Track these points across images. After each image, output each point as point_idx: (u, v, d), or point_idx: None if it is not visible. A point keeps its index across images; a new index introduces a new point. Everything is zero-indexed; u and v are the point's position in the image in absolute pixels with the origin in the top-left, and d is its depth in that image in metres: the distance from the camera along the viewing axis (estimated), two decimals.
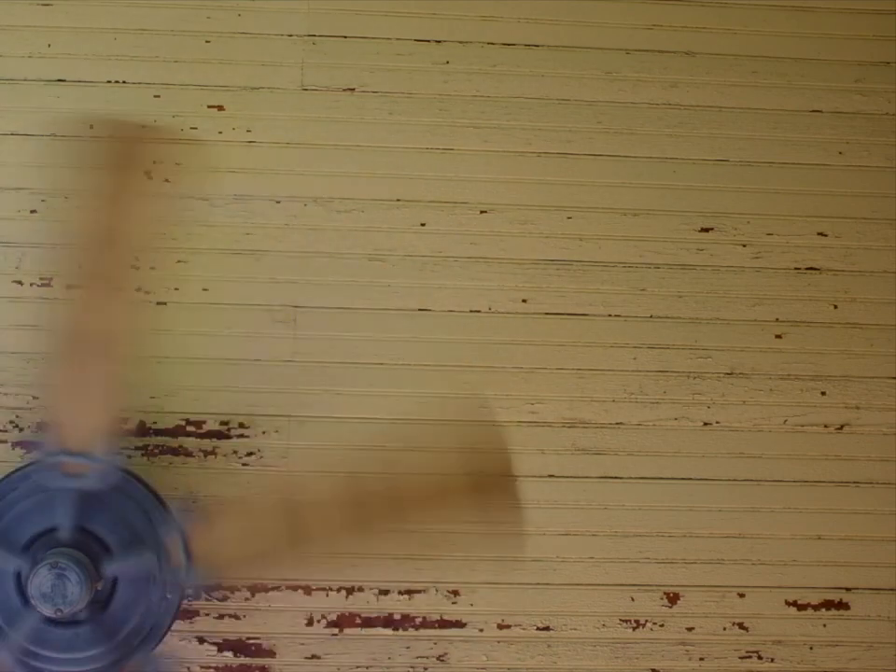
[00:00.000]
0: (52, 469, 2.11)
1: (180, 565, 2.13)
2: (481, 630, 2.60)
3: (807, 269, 2.67)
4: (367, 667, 2.58)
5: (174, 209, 2.53)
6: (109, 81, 2.56)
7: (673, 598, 2.63)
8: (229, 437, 2.55)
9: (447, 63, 2.63)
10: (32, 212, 2.53)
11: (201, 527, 2.17)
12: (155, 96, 2.56)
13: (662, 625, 2.64)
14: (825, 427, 2.66)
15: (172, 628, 2.23)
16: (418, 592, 2.59)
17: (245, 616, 2.55)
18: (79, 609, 2.07)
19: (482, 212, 2.62)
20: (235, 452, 2.55)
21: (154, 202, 2.23)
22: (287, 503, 2.27)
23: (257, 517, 2.25)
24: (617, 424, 2.63)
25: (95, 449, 2.11)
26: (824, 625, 2.66)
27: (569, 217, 2.63)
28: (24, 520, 2.13)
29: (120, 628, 2.15)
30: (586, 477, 2.62)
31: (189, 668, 2.55)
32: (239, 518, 2.26)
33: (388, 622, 2.58)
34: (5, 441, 2.51)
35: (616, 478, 2.63)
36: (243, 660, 2.56)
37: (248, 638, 2.56)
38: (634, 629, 2.63)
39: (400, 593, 2.59)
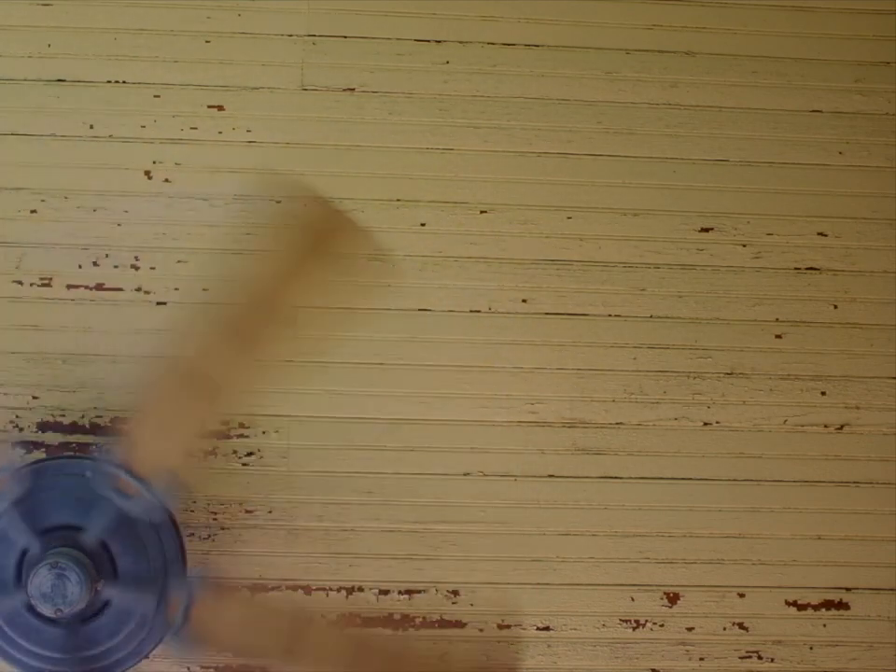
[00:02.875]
0: (107, 477, 2.11)
1: (173, 622, 2.13)
2: (481, 630, 2.60)
3: (807, 269, 2.67)
4: None
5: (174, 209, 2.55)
6: (109, 81, 2.56)
7: (673, 598, 2.63)
8: (229, 437, 2.56)
9: (447, 63, 2.63)
10: (32, 212, 2.53)
11: (209, 600, 2.16)
12: (155, 96, 2.56)
13: (662, 625, 2.64)
14: (825, 427, 2.66)
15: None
16: (418, 592, 2.59)
17: None
18: (96, 600, 2.07)
19: (482, 212, 2.62)
20: (235, 452, 2.56)
21: (323, 288, 2.26)
22: (297, 619, 2.30)
23: (263, 616, 2.25)
24: (617, 424, 2.63)
25: (156, 482, 2.11)
26: (824, 625, 2.66)
27: (569, 217, 2.63)
28: (57, 506, 2.12)
29: (89, 646, 2.14)
30: (586, 477, 2.62)
31: (188, 668, 2.55)
32: (247, 609, 2.27)
33: (388, 622, 2.58)
34: (5, 441, 2.51)
35: (616, 478, 2.63)
36: (243, 660, 2.56)
37: (240, 659, 2.55)
38: (634, 629, 2.63)
39: (400, 593, 2.59)
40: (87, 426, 2.51)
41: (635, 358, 2.64)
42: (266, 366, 2.23)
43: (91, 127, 2.55)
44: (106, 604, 2.13)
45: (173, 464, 2.14)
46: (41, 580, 2.02)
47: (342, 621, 2.48)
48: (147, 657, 2.18)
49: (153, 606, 2.13)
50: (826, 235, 2.67)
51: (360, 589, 2.58)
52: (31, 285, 2.53)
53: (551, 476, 2.62)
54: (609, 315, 2.63)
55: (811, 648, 2.66)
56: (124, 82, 2.56)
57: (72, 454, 2.28)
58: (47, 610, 2.03)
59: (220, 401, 2.19)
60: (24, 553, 2.10)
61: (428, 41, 2.63)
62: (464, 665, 2.41)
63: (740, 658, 2.65)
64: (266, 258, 2.24)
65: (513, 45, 2.64)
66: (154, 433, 2.14)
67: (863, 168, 2.68)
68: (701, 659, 2.65)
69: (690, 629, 2.64)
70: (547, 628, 2.62)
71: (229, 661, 2.55)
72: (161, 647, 2.18)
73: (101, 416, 2.52)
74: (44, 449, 2.51)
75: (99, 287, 2.54)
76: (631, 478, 2.63)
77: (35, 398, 2.52)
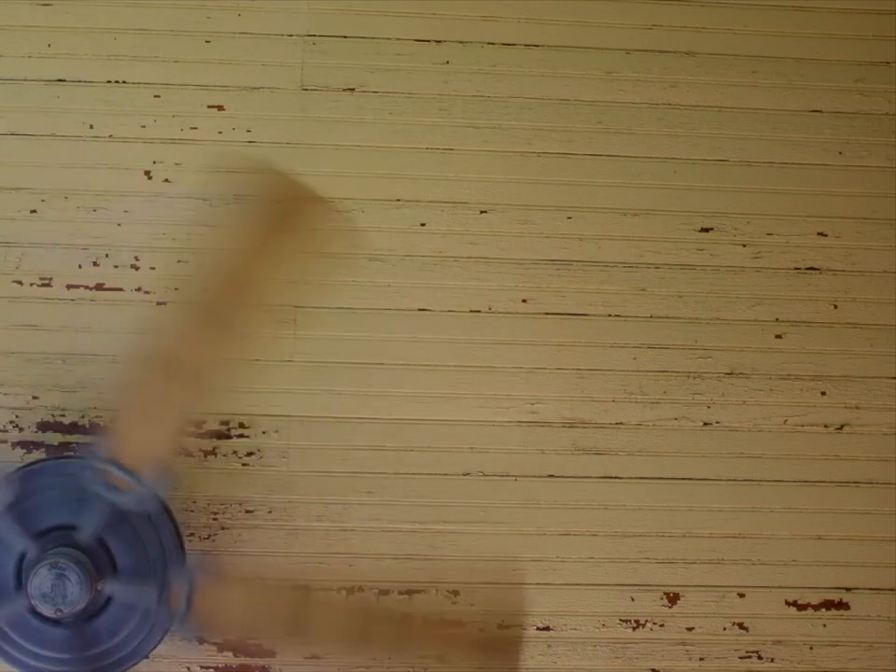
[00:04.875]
0: (97, 474, 2.11)
1: (177, 610, 2.13)
2: (481, 630, 2.60)
3: (807, 269, 2.67)
4: (367, 667, 2.58)
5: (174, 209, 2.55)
6: (109, 81, 2.56)
7: (673, 598, 2.63)
8: (229, 437, 2.56)
9: (447, 62, 2.63)
10: (32, 212, 2.53)
11: (210, 584, 2.16)
12: (155, 96, 2.56)
13: (662, 625, 2.64)
14: (825, 427, 2.66)
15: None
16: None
17: None
18: (98, 597, 2.08)
19: (482, 212, 2.62)
20: (235, 452, 2.56)
21: (294, 260, 2.23)
22: (301, 596, 2.29)
23: (266, 595, 2.25)
24: (617, 424, 2.63)
25: (145, 473, 2.11)
26: (824, 625, 2.66)
27: (569, 217, 2.63)
28: (50, 508, 2.12)
29: (95, 644, 2.15)
30: (586, 477, 2.62)
31: (188, 668, 2.55)
32: (249, 589, 2.26)
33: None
34: (5, 442, 2.51)
35: (616, 478, 2.63)
36: (243, 660, 2.56)
37: (248, 638, 2.55)
38: (634, 629, 2.63)
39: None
40: (87, 426, 2.51)
41: (635, 358, 2.64)
42: (243, 344, 2.22)
43: (91, 127, 2.55)
44: (109, 600, 2.13)
45: (160, 453, 2.13)
46: (41, 580, 2.02)
47: (346, 593, 2.45)
48: (154, 649, 2.19)
49: (155, 598, 2.12)
50: (826, 235, 2.67)
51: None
52: (31, 285, 2.53)
53: (551, 476, 2.62)
54: (609, 315, 2.63)
55: (811, 648, 2.66)
56: (124, 82, 2.56)
57: (59, 455, 2.28)
58: (47, 611, 2.03)
59: (201, 385, 2.18)
60: (22, 556, 2.10)
61: (428, 41, 2.63)
62: (467, 634, 2.38)
63: (740, 658, 2.65)
64: (232, 235, 2.22)
65: (513, 45, 2.64)
66: (138, 424, 2.13)
67: (863, 168, 2.68)
68: (701, 659, 2.65)
69: (690, 629, 2.64)
70: (547, 628, 2.62)
71: (229, 661, 2.55)
72: (166, 639, 2.18)
73: (101, 416, 2.52)
74: (44, 449, 2.51)
75: (99, 287, 2.54)
76: (631, 478, 2.63)
77: (34, 398, 2.52)
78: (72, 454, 2.41)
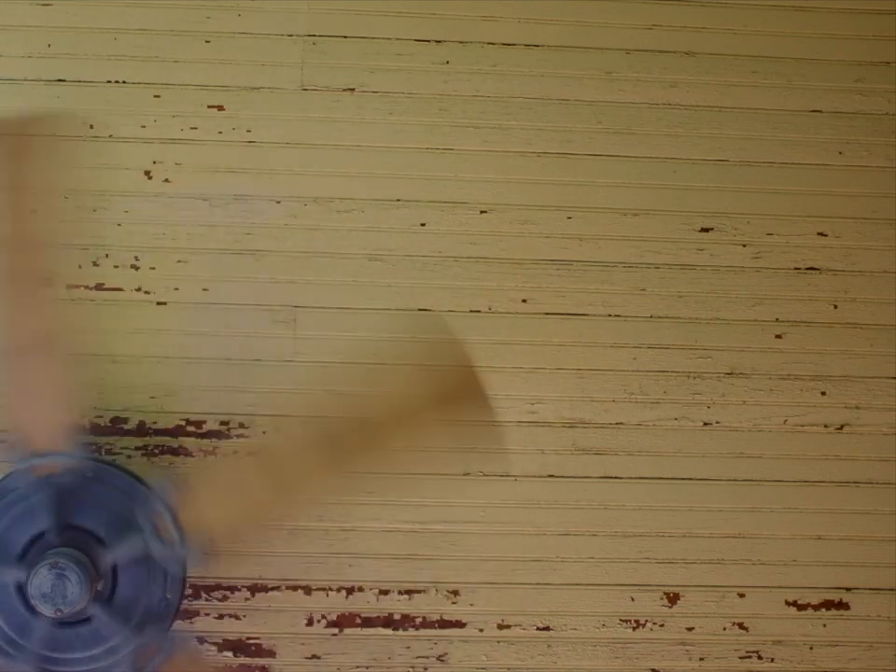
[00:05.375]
0: (26, 474, 2.11)
1: (174, 539, 2.13)
2: (481, 630, 2.60)
3: (807, 269, 2.67)
4: (367, 667, 2.58)
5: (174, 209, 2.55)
6: (109, 81, 2.56)
7: (673, 598, 2.63)
8: (229, 437, 2.55)
9: (447, 62, 2.63)
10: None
11: (184, 498, 2.15)
12: (155, 96, 2.56)
13: (662, 625, 2.64)
14: (825, 427, 2.66)
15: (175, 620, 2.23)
16: (418, 592, 2.59)
17: (244, 616, 2.55)
18: (84, 608, 2.07)
19: (482, 212, 2.62)
20: (235, 452, 2.55)
21: (40, 194, 2.18)
22: (263, 456, 2.26)
23: (236, 475, 2.24)
24: (617, 424, 2.63)
25: (61, 446, 2.10)
26: (824, 625, 2.66)
27: (569, 217, 2.63)
28: (13, 530, 2.12)
29: (130, 615, 2.14)
30: (586, 477, 2.62)
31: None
32: (219, 480, 2.25)
33: (388, 622, 2.58)
34: (4, 441, 2.50)
35: (616, 478, 2.63)
36: (243, 660, 2.56)
37: (248, 638, 2.56)
38: (634, 629, 2.63)
39: (400, 593, 2.59)
40: (87, 426, 2.50)
41: (635, 358, 2.64)
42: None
43: (91, 127, 2.55)
44: (115, 571, 2.13)
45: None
46: (41, 580, 2.02)
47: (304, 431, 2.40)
48: (185, 588, 2.20)
49: (149, 539, 2.12)
50: (826, 235, 2.67)
51: (360, 589, 2.58)
52: None
53: (551, 476, 2.62)
54: (609, 315, 2.63)
55: (811, 648, 2.66)
56: (124, 82, 2.56)
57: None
58: (47, 611, 2.03)
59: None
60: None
61: (428, 41, 2.63)
62: (430, 395, 2.33)
63: (740, 658, 2.65)
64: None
65: (513, 45, 2.64)
66: (26, 407, 2.12)
67: (863, 168, 2.68)
68: (701, 659, 2.65)
69: (690, 629, 2.64)
70: (547, 628, 2.62)
71: (229, 661, 2.55)
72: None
73: (101, 416, 2.52)
74: None
75: (99, 287, 2.54)
76: (631, 478, 2.63)
77: None
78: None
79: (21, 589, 2.08)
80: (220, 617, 2.54)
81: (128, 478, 2.18)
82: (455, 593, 2.59)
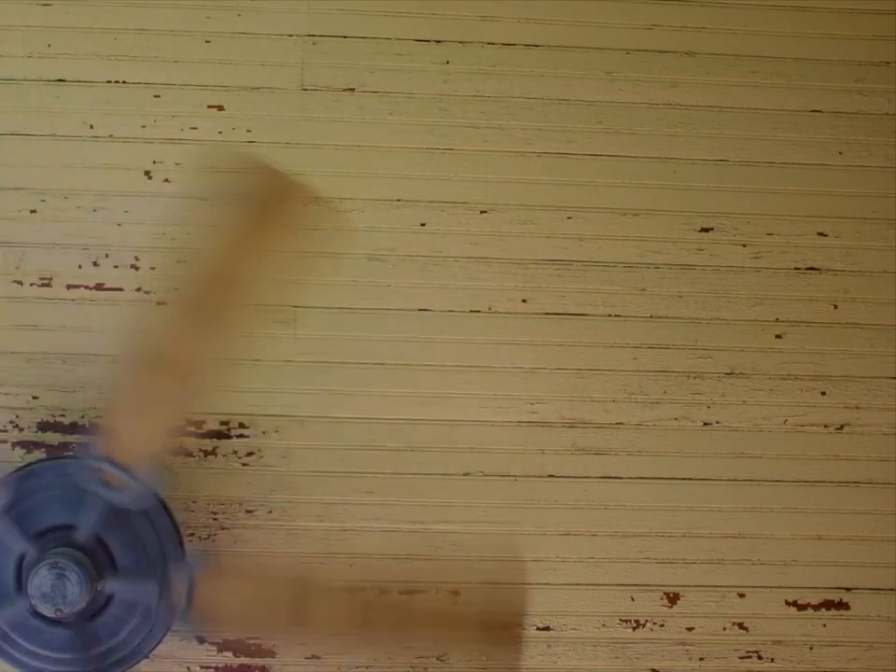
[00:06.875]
0: (92, 473, 2.11)
1: (178, 606, 2.13)
2: (481, 627, 2.60)
3: (807, 269, 2.67)
4: (367, 667, 2.58)
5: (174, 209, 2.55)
6: (109, 81, 2.56)
7: (673, 598, 2.63)
8: (229, 437, 2.56)
9: (447, 62, 2.63)
10: (32, 212, 2.53)
11: (210, 578, 2.16)
12: (155, 96, 2.56)
13: (662, 625, 2.64)
14: (825, 426, 2.66)
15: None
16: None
17: None
18: (78, 610, 2.07)
19: (482, 212, 2.62)
20: (235, 452, 2.56)
21: (279, 255, 2.23)
22: (301, 585, 2.29)
23: (266, 587, 2.25)
24: (617, 424, 2.63)
25: (140, 470, 2.11)
26: (824, 625, 2.66)
27: (569, 217, 2.63)
28: (47, 508, 2.13)
29: (98, 643, 2.15)
30: (586, 477, 2.62)
31: (188, 668, 2.55)
32: (249, 582, 2.26)
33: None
34: (5, 442, 2.51)
35: (616, 478, 2.63)
36: (243, 660, 2.56)
37: (248, 638, 2.56)
38: (634, 629, 2.63)
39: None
40: (87, 426, 2.51)
41: (635, 358, 2.64)
42: (234, 342, 2.21)
43: (91, 127, 2.55)
44: (110, 599, 2.13)
45: (154, 449, 2.13)
46: (41, 580, 2.02)
47: (348, 587, 2.46)
48: (155, 647, 2.19)
49: (156, 594, 2.13)
50: (826, 235, 2.67)
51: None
52: (31, 285, 2.53)
53: (551, 476, 2.62)
54: (609, 315, 2.63)
55: (811, 648, 2.66)
56: (124, 82, 2.56)
57: (56, 455, 2.28)
58: (47, 611, 2.03)
59: (192, 383, 2.18)
60: (22, 558, 2.10)
61: (428, 41, 2.63)
62: (472, 618, 2.37)
63: (740, 658, 2.65)
64: (218, 230, 2.22)
65: (513, 45, 2.64)
66: (130, 421, 2.13)
67: (863, 168, 2.68)
68: (701, 659, 2.65)
69: (690, 629, 2.64)
70: (547, 628, 2.62)
71: (229, 661, 2.55)
72: (167, 639, 2.18)
73: (101, 416, 2.52)
74: (44, 449, 2.51)
75: (99, 287, 2.54)
76: (631, 478, 2.63)
77: (34, 398, 2.52)
78: (69, 454, 2.40)
79: (21, 562, 2.09)
80: None
81: (172, 529, 2.17)
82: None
